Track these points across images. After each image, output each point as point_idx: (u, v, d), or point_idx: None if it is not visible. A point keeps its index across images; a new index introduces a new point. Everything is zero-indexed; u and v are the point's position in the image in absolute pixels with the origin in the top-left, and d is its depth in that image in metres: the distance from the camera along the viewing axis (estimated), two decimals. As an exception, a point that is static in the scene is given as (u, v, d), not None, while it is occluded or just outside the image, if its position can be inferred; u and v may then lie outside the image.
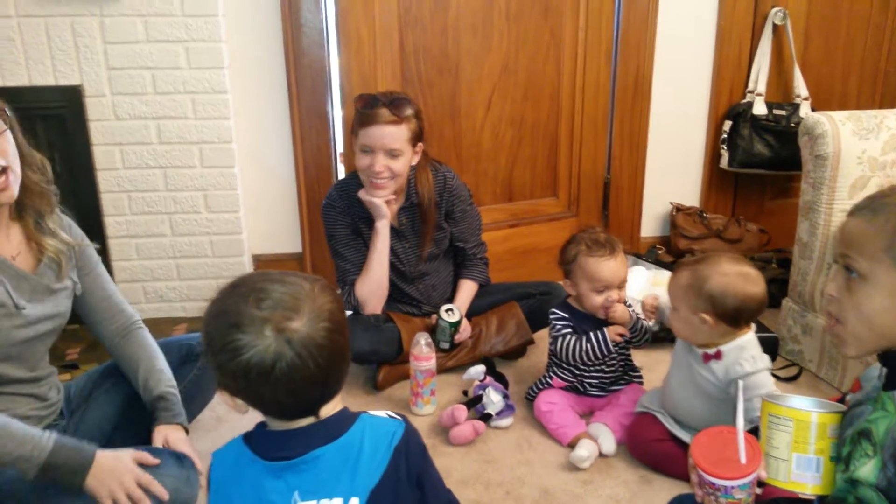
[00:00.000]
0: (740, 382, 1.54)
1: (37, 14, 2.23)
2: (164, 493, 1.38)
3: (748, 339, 1.67)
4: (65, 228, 1.54)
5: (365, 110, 2.01)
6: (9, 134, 1.36)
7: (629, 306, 1.93)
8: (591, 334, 1.89)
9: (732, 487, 1.31)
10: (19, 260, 1.44)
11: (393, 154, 2.03)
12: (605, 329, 1.88)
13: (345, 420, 1.04)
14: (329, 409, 1.03)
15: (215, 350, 0.96)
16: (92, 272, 1.60)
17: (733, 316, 1.62)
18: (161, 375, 1.61)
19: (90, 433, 1.53)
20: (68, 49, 2.27)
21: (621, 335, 1.89)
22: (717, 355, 1.65)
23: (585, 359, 1.90)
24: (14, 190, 1.37)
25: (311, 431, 1.01)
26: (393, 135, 2.01)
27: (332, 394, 1.03)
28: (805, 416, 1.27)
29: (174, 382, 1.62)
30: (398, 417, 1.09)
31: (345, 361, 1.02)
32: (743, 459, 1.25)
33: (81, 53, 2.28)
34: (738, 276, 1.62)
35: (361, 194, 2.10)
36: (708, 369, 1.67)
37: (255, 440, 1.04)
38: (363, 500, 1.00)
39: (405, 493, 1.05)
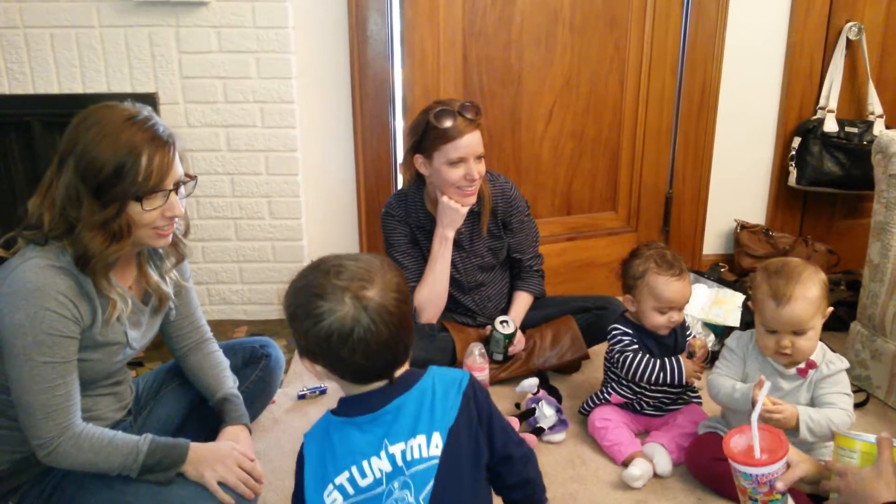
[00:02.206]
0: (766, 382, 1.51)
1: (117, 24, 2.33)
2: (262, 477, 1.47)
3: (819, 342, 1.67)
4: (180, 270, 1.61)
5: (448, 125, 1.99)
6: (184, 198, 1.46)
7: (687, 327, 1.90)
8: (667, 361, 1.85)
9: (736, 471, 1.37)
10: (132, 291, 1.51)
11: (480, 158, 2.05)
12: (681, 359, 1.85)
13: (415, 374, 1.17)
14: (399, 373, 1.16)
15: (300, 317, 1.08)
16: (181, 291, 1.64)
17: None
18: (226, 380, 1.66)
19: (155, 430, 1.58)
20: (145, 58, 2.37)
21: (693, 377, 1.86)
22: (812, 365, 1.63)
23: (654, 382, 1.87)
24: (169, 240, 1.46)
25: (387, 388, 1.14)
26: (478, 139, 2.03)
27: (402, 360, 1.15)
28: (872, 448, 1.23)
29: (237, 385, 1.68)
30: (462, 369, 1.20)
31: (411, 330, 1.14)
32: (757, 454, 1.32)
33: (157, 62, 2.37)
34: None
35: (450, 203, 2.08)
36: (800, 381, 1.65)
37: (340, 407, 1.17)
38: (444, 435, 1.13)
39: (478, 433, 1.18)
